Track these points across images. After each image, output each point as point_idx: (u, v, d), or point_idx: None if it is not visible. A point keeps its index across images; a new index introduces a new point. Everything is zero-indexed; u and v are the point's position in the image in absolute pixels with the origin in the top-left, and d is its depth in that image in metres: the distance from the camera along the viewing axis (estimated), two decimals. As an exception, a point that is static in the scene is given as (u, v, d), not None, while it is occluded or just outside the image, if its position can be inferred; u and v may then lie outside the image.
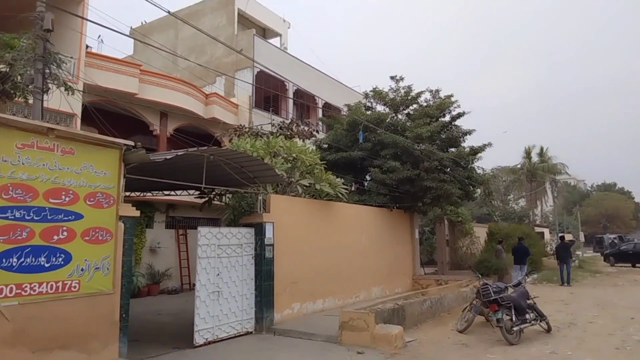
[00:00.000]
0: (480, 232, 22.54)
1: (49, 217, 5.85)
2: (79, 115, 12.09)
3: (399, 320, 9.39)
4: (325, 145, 15.90)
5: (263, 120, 17.79)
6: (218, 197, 11.27)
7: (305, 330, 9.25)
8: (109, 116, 12.56)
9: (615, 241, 37.83)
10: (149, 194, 11.61)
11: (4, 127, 5.52)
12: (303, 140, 15.40)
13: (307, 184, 10.84)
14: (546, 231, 40.68)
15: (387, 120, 15.26)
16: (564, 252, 18.16)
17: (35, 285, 5.67)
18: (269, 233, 9.81)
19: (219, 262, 8.92)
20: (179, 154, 7.13)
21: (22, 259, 5.57)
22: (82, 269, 6.15)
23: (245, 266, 9.50)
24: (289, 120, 15.52)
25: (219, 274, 8.87)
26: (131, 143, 6.70)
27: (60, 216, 5.97)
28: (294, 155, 10.40)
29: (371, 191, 14.59)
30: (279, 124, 14.60)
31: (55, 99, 8.55)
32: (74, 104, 10.20)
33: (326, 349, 8.14)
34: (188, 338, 8.33)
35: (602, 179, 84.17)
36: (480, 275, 10.40)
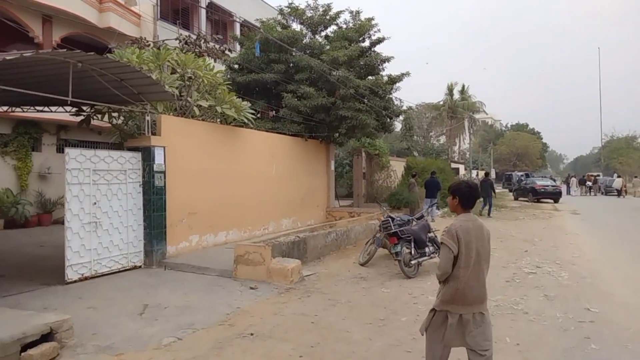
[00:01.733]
0: (399, 167, 22.70)
1: None
2: None
3: (299, 254, 8.98)
4: (237, 66, 14.45)
5: (170, 35, 15.84)
6: (106, 117, 9.80)
7: (199, 264, 8.61)
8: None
9: (523, 178, 40.30)
10: (18, 109, 9.87)
11: None
12: (215, 60, 13.90)
13: (207, 106, 9.66)
14: (461, 167, 42.52)
15: (303, 41, 14.00)
16: (485, 187, 19.18)
17: None
18: (159, 159, 8.75)
19: (96, 189, 7.88)
20: (26, 54, 5.73)
21: None
22: None
23: (130, 195, 8.51)
24: (196, 35, 13.79)
25: (96, 202, 7.86)
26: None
27: None
28: (189, 71, 9.07)
29: (285, 119, 13.66)
30: (184, 39, 12.93)
31: None
32: None
33: (217, 284, 7.56)
34: (63, 273, 7.41)
35: (516, 119, 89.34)
36: (385, 208, 10.15)
